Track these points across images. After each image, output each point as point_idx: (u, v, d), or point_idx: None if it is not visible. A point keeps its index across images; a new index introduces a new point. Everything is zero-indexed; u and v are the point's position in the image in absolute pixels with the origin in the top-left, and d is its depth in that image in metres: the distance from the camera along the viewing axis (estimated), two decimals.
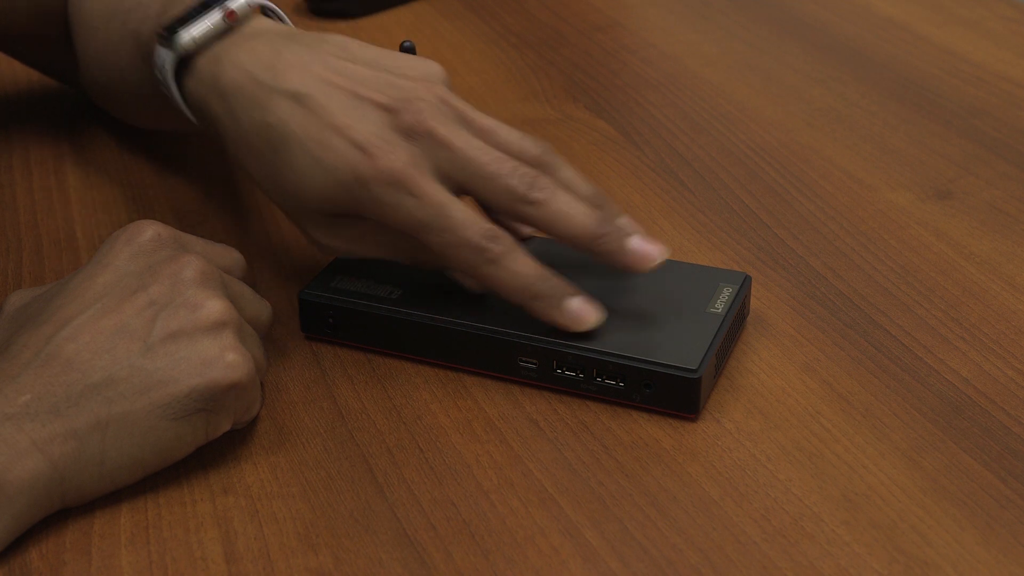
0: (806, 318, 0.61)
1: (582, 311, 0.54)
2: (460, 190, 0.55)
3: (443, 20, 0.98)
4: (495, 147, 0.56)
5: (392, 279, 0.59)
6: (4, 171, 0.76)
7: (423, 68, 0.58)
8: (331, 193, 0.55)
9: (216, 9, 0.59)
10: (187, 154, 0.78)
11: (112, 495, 0.50)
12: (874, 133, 0.78)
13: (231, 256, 0.56)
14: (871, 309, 0.61)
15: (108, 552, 0.48)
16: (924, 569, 0.46)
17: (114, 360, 0.48)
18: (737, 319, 0.58)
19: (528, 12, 0.99)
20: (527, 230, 0.61)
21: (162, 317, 0.49)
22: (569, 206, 0.54)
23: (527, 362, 0.55)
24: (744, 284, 0.59)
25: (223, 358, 0.49)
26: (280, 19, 0.63)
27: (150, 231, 0.52)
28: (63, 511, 0.49)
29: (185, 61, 0.60)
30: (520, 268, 0.54)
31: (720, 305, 0.57)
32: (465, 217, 0.54)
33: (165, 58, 0.60)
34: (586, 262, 0.60)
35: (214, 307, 0.50)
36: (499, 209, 0.55)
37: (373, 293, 0.58)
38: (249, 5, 0.60)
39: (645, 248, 0.54)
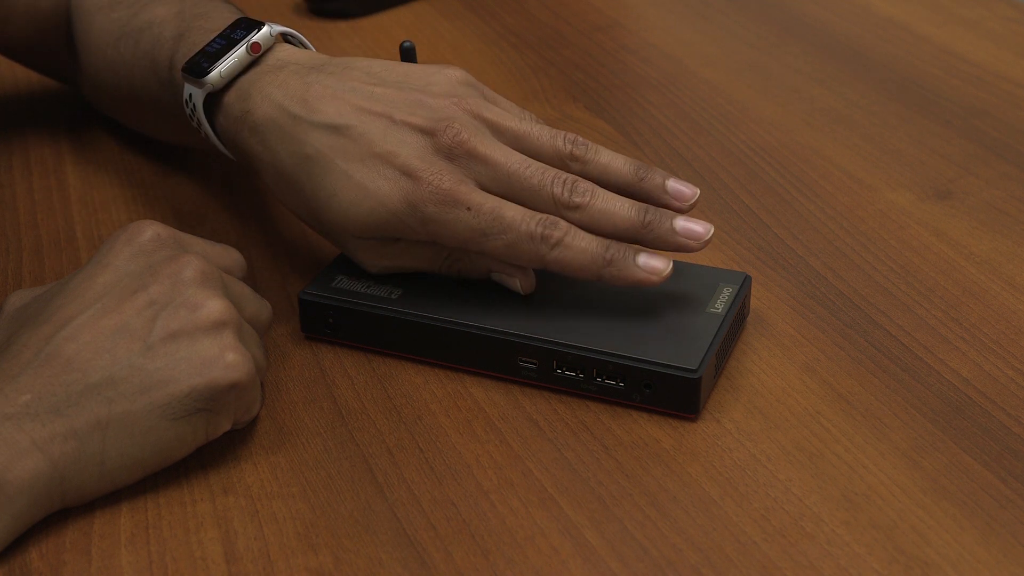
0: (806, 318, 0.61)
1: (655, 263, 0.55)
2: (503, 197, 0.56)
3: (443, 20, 0.98)
4: (530, 152, 0.57)
5: (392, 279, 0.59)
6: (4, 171, 0.76)
7: (447, 79, 0.59)
8: (379, 219, 0.56)
9: (241, 44, 0.60)
10: (187, 154, 0.77)
11: (112, 495, 0.50)
12: (874, 133, 0.78)
13: (231, 256, 0.56)
14: (871, 309, 0.61)
15: (108, 552, 0.48)
16: (924, 569, 0.46)
17: (114, 360, 0.48)
18: (737, 319, 0.58)
19: (528, 12, 0.99)
20: None
21: (162, 317, 0.49)
22: (609, 203, 0.56)
23: (527, 362, 0.55)
24: (744, 284, 0.59)
25: (223, 358, 0.49)
26: (302, 44, 0.63)
27: (150, 231, 0.52)
28: (63, 511, 0.49)
29: (212, 95, 0.60)
30: (585, 244, 0.55)
31: (720, 305, 0.57)
32: (518, 214, 0.55)
33: (194, 95, 0.60)
34: None
35: (214, 307, 0.50)
36: (543, 213, 0.56)
37: (373, 293, 0.58)
38: (272, 35, 0.60)
39: (690, 227, 0.56)
